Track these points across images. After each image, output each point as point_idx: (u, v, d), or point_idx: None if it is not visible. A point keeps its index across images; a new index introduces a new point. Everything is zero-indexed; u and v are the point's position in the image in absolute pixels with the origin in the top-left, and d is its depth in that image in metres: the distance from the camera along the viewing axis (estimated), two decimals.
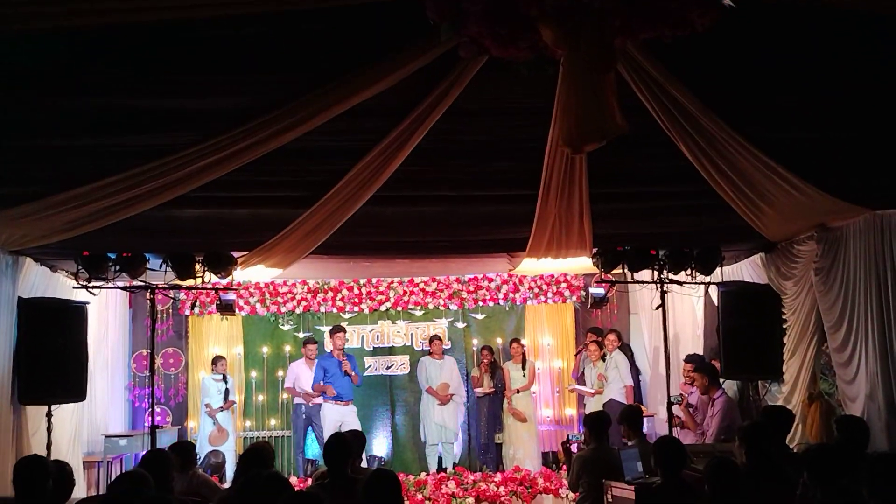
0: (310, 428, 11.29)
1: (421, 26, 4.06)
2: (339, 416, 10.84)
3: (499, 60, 4.27)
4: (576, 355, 12.15)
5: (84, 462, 9.55)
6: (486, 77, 5.29)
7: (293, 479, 9.90)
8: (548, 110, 5.66)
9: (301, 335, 12.09)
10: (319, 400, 11.11)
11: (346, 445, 5.92)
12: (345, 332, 11.47)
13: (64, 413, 8.54)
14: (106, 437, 10.13)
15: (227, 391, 11.20)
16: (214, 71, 5.32)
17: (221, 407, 11.09)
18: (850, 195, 6.82)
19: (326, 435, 9.84)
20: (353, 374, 11.06)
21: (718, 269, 9.02)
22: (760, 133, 6.01)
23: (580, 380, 11.59)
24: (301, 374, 11.35)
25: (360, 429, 9.85)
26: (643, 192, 7.50)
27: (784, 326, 8.58)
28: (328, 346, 11.65)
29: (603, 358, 11.20)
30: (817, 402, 8.16)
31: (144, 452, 8.22)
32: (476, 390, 11.64)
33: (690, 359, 9.83)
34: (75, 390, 8.34)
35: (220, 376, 11.24)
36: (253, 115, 5.62)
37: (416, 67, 5.11)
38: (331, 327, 11.59)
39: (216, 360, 11.36)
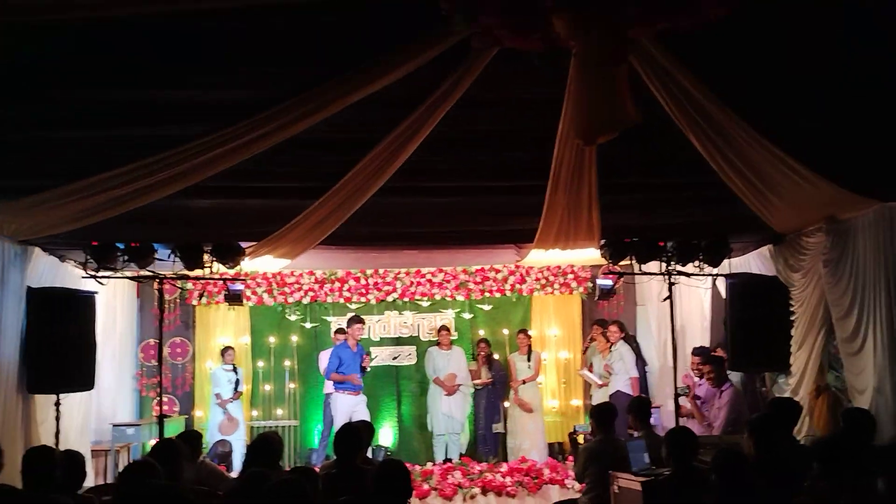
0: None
1: (433, 17, 4.05)
2: (350, 407, 10.85)
3: (511, 51, 4.26)
4: (583, 352, 12.15)
5: (92, 451, 9.62)
6: (497, 67, 5.27)
7: None
8: (558, 101, 5.64)
9: (308, 325, 12.13)
10: (331, 389, 11.12)
11: (356, 436, 5.96)
12: (363, 323, 11.46)
13: (72, 402, 8.57)
14: (114, 426, 10.21)
15: (237, 381, 11.26)
16: (225, 62, 5.32)
17: (232, 397, 11.14)
18: (861, 187, 6.77)
19: (337, 425, 9.86)
20: (368, 368, 11.14)
21: (726, 261, 9.01)
22: (771, 123, 5.97)
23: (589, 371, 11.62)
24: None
25: (369, 419, 9.87)
26: (652, 183, 7.49)
27: (791, 318, 8.57)
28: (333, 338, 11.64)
29: (610, 349, 11.21)
30: (824, 394, 8.15)
31: (154, 441, 8.23)
32: (474, 382, 11.65)
33: (698, 351, 9.83)
34: (83, 379, 8.36)
35: (231, 366, 11.29)
36: (263, 106, 5.61)
37: (428, 58, 5.09)
38: (349, 317, 11.50)
39: (226, 351, 11.40)
